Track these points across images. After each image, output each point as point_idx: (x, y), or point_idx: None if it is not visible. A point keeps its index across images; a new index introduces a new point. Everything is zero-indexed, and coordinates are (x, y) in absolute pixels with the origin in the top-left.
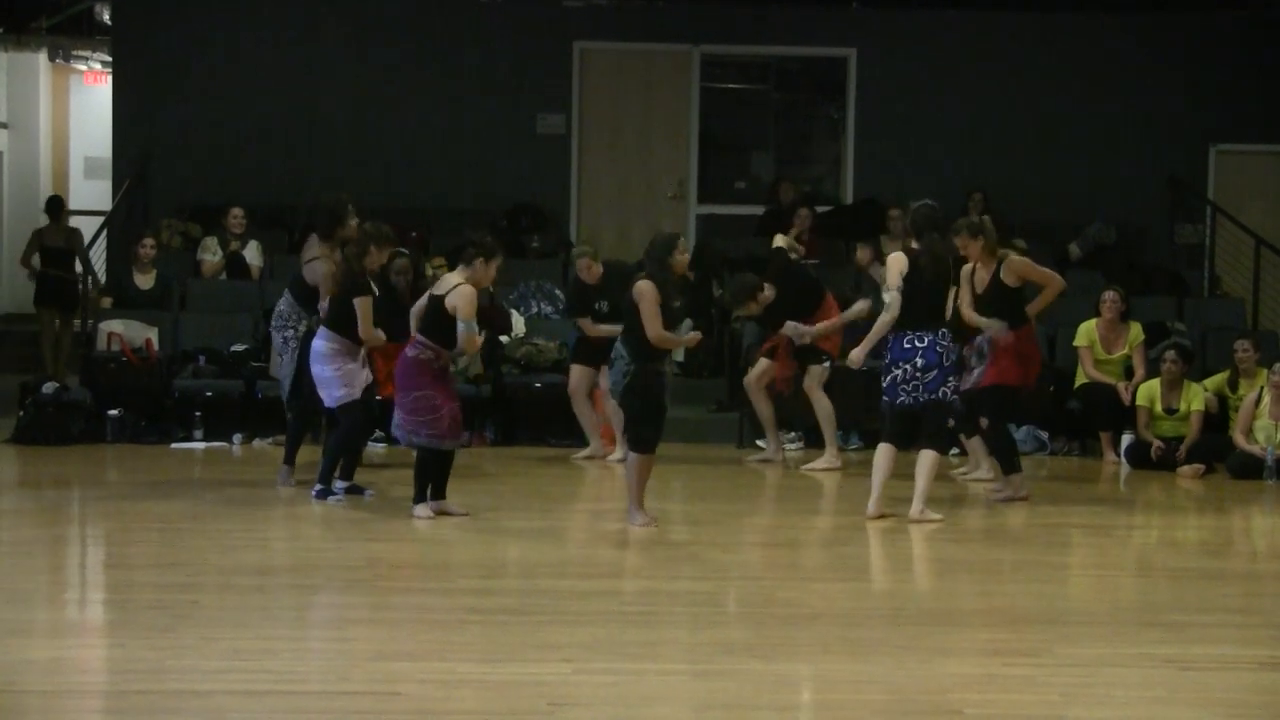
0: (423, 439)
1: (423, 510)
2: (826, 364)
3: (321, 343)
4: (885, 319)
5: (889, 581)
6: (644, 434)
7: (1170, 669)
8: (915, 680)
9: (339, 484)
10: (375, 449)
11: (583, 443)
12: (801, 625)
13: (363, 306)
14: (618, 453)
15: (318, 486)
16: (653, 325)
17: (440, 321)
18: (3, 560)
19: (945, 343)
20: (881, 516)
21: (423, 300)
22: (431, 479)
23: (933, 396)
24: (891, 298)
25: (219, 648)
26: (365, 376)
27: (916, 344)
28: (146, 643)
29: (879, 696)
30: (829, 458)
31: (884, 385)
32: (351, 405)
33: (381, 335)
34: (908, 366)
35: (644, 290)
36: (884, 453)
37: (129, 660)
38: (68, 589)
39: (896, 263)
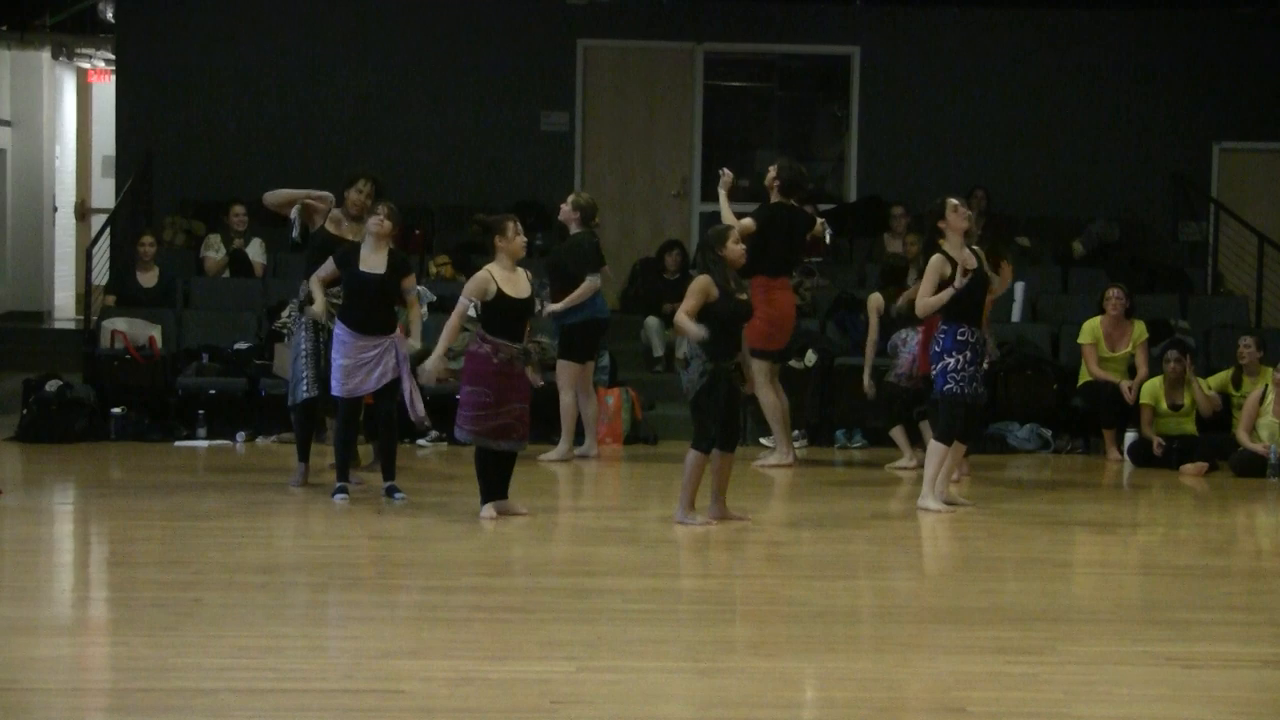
0: (467, 435)
1: (487, 511)
2: (792, 363)
3: (337, 329)
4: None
5: (892, 579)
6: (710, 432)
7: (1174, 667)
8: (919, 678)
9: (354, 481)
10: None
11: (579, 440)
12: (805, 623)
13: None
14: (580, 450)
15: (338, 484)
16: (685, 304)
17: (494, 316)
18: (6, 558)
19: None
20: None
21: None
22: (489, 478)
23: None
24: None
25: (222, 645)
26: (381, 372)
27: (969, 338)
28: (150, 640)
29: (882, 694)
30: (780, 454)
31: (934, 374)
32: (343, 401)
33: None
34: (960, 358)
35: (695, 283)
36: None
37: (132, 658)
38: (71, 587)
39: (940, 263)
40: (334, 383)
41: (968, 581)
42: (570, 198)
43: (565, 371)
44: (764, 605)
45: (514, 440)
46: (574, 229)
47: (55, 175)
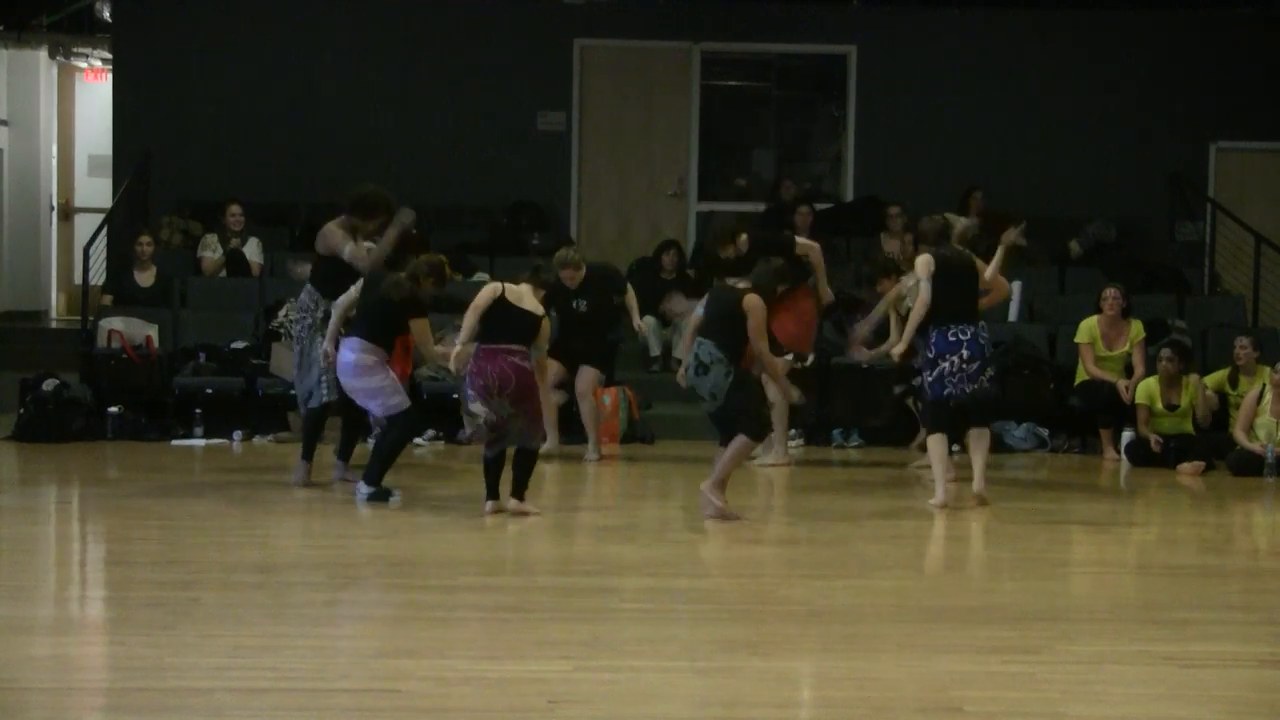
0: (535, 445)
1: (533, 506)
2: (788, 358)
3: (358, 355)
4: (918, 310)
5: (889, 579)
6: (762, 418)
7: (1170, 666)
8: (915, 677)
9: (363, 489)
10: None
11: (581, 439)
12: (801, 622)
13: (419, 327)
14: (590, 453)
15: (370, 489)
16: (762, 338)
17: (533, 329)
18: (3, 557)
19: (985, 335)
20: (945, 506)
21: (481, 300)
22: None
23: (975, 385)
24: (923, 288)
25: (219, 645)
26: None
27: (960, 337)
28: (147, 640)
29: (879, 694)
30: (776, 453)
31: (929, 380)
32: (409, 410)
33: (439, 351)
34: (955, 359)
35: (754, 304)
36: (940, 443)
37: (129, 657)
38: (68, 586)
39: (925, 263)
40: (388, 402)
41: (964, 581)
42: (569, 271)
43: (594, 380)
44: (761, 605)
45: None
46: (582, 273)
47: (52, 175)
